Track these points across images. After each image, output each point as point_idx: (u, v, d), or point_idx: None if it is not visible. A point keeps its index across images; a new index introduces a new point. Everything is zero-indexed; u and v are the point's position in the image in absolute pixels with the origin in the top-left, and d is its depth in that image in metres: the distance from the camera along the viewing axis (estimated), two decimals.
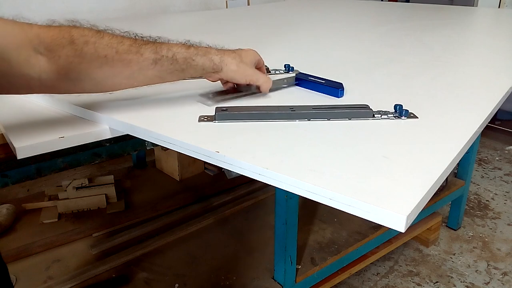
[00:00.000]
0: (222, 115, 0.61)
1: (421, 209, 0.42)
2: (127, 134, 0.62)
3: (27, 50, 0.51)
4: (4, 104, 0.70)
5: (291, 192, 0.46)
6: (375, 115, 0.63)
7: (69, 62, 0.54)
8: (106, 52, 0.55)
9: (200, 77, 0.67)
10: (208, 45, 0.66)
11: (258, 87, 0.72)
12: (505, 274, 1.64)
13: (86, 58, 0.54)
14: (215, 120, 0.61)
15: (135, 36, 0.60)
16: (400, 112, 0.62)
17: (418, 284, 1.59)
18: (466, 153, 0.82)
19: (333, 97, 0.73)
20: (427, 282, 1.60)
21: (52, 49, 0.53)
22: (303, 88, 0.78)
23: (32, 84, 0.54)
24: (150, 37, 0.62)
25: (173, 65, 0.60)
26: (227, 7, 2.40)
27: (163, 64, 0.59)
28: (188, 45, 0.62)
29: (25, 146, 0.56)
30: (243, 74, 0.67)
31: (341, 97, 0.72)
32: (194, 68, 0.62)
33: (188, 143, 0.54)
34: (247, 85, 0.72)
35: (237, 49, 0.69)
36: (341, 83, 0.74)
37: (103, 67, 0.56)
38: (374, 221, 0.40)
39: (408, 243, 1.79)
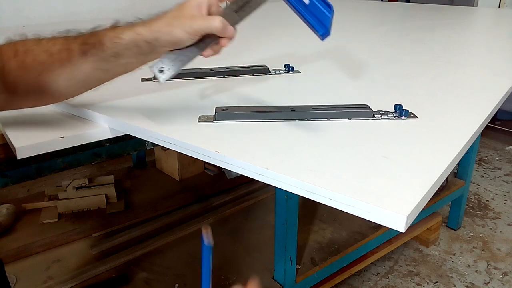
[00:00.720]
0: (222, 115, 0.61)
1: (421, 209, 0.42)
2: (127, 134, 0.62)
3: None
4: None
5: (291, 192, 0.46)
6: (375, 115, 0.63)
7: (15, 76, 0.54)
8: (42, 57, 0.54)
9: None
10: (140, 19, 0.55)
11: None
12: (505, 274, 1.64)
13: (26, 69, 0.54)
14: (215, 120, 0.61)
15: (69, 33, 0.56)
16: (400, 112, 0.62)
17: (418, 284, 1.59)
18: (466, 153, 0.82)
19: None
20: (427, 282, 1.60)
21: (2, 65, 0.53)
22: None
23: None
24: (90, 29, 0.56)
25: (103, 51, 0.53)
26: None
27: (93, 53, 0.53)
28: (115, 26, 0.54)
29: (25, 146, 0.56)
30: (184, 29, 0.52)
31: (325, 37, 0.55)
32: (127, 49, 0.53)
33: (188, 143, 0.54)
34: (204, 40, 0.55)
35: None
36: (329, 15, 0.55)
37: (42, 74, 0.54)
38: (374, 221, 0.40)
39: (408, 243, 1.79)
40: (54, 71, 0.54)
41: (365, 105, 0.65)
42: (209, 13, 0.54)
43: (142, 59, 0.55)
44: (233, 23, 0.55)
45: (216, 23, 0.53)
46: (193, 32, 0.52)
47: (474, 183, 2.27)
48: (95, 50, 0.53)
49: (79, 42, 0.54)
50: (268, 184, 0.47)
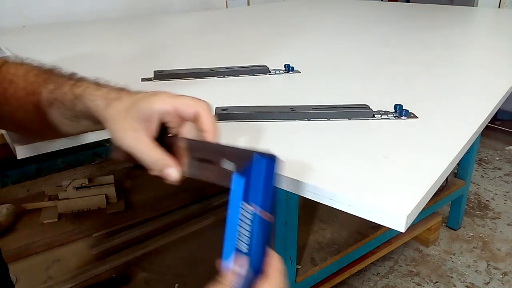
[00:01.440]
0: (222, 115, 0.61)
1: (421, 209, 0.42)
2: None
3: None
4: None
5: (291, 192, 0.46)
6: (375, 115, 0.63)
7: None
8: (20, 93, 0.49)
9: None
10: (105, 83, 0.46)
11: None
12: (505, 274, 1.63)
13: (7, 98, 0.50)
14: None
15: (49, 69, 0.51)
16: (400, 112, 0.62)
17: (418, 284, 1.59)
18: (466, 153, 0.82)
19: None
20: (427, 282, 1.60)
21: None
22: None
23: None
24: (73, 73, 0.50)
25: (65, 109, 0.47)
26: (227, 7, 2.40)
27: (57, 106, 0.47)
28: (82, 84, 0.46)
29: (25, 146, 0.56)
30: (117, 141, 0.41)
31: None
32: (86, 118, 0.46)
33: None
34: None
35: (142, 93, 0.43)
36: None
37: (18, 110, 0.50)
38: (374, 221, 0.40)
39: (408, 243, 1.79)
40: (28, 112, 0.50)
41: (365, 105, 0.65)
42: (168, 131, 0.43)
43: (101, 127, 0.45)
44: (184, 171, 0.42)
45: (149, 158, 0.41)
46: (125, 149, 0.41)
47: (474, 183, 2.27)
48: (57, 106, 0.47)
49: (48, 90, 0.48)
50: None
